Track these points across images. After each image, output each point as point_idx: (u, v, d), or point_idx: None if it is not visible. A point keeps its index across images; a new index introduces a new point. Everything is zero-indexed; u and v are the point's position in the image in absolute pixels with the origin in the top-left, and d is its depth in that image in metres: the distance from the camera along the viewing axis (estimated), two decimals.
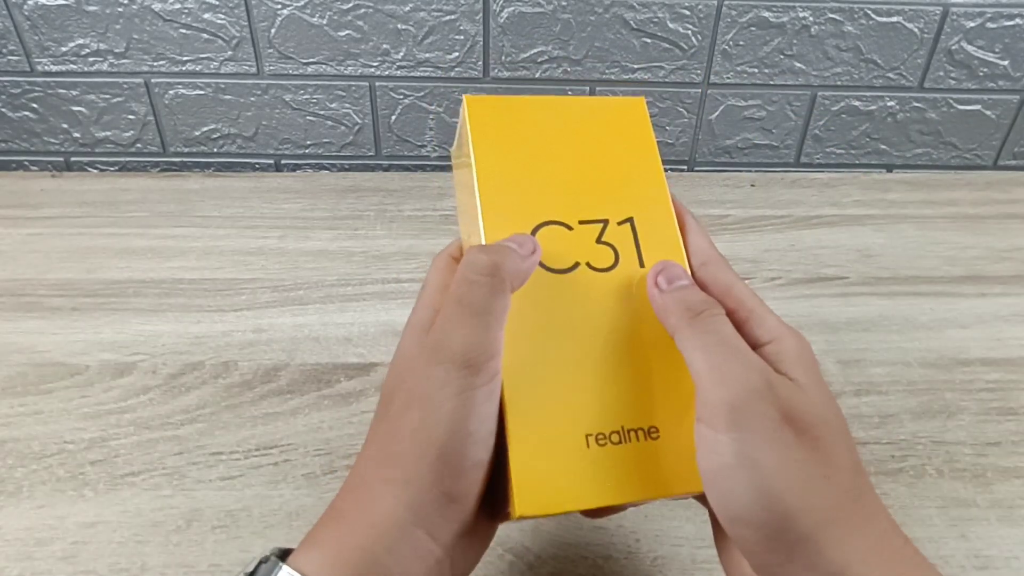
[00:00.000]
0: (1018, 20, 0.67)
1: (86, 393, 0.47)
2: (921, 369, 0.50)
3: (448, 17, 0.66)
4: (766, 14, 0.66)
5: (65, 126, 0.71)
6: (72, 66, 0.67)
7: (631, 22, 0.67)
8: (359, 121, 0.72)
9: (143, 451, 0.43)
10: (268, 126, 0.72)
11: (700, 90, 0.71)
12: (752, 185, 0.72)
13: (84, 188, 0.69)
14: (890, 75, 0.70)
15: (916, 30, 0.67)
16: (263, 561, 0.24)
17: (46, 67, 0.67)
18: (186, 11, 0.65)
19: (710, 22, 0.67)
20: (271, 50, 0.67)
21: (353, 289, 0.57)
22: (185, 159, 0.74)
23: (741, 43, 0.68)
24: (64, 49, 0.67)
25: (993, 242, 0.63)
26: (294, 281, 0.57)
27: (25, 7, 0.64)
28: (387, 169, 0.75)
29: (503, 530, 0.29)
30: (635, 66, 0.69)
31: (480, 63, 0.68)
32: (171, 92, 0.69)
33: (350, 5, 0.65)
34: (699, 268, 0.30)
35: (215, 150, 0.73)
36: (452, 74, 0.69)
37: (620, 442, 0.27)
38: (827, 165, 0.76)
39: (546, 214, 0.30)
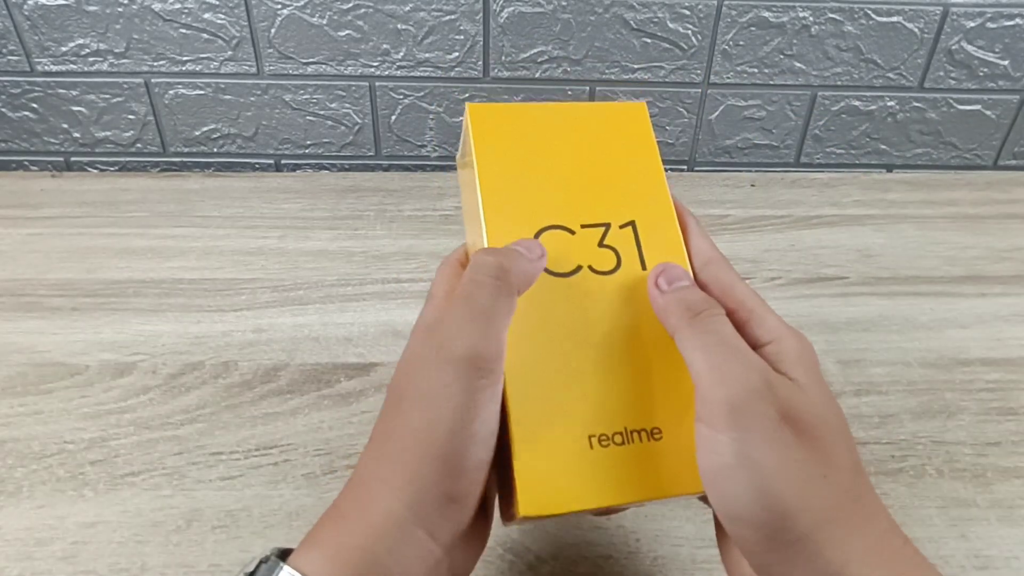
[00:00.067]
0: (1018, 20, 0.67)
1: (86, 393, 0.47)
2: (921, 369, 0.50)
3: (448, 17, 0.66)
4: (766, 14, 0.66)
5: (65, 126, 0.71)
6: (72, 66, 0.68)
7: (631, 22, 0.67)
8: (359, 121, 0.72)
9: (143, 451, 0.43)
10: (268, 126, 0.72)
11: (700, 90, 0.71)
12: (752, 185, 0.72)
13: (84, 188, 0.69)
14: (890, 75, 0.70)
15: (916, 30, 0.67)
16: (263, 561, 0.24)
17: (46, 67, 0.67)
18: (186, 11, 0.65)
19: (710, 22, 0.67)
20: (271, 50, 0.67)
21: (353, 289, 0.57)
22: (185, 159, 0.74)
23: (741, 43, 0.68)
24: (64, 49, 0.67)
25: (993, 242, 0.63)
26: (294, 281, 0.57)
27: (25, 7, 0.64)
28: (387, 169, 0.75)
29: (503, 530, 0.29)
30: (635, 66, 0.69)
31: (480, 63, 0.68)
32: (171, 92, 0.69)
33: (350, 5, 0.65)
34: (701, 269, 0.30)
35: (215, 150, 0.73)
36: (452, 74, 0.69)
37: (623, 443, 0.27)
38: (827, 165, 0.76)
39: (548, 218, 0.30)
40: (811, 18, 0.67)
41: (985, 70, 0.70)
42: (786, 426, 0.24)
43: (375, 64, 0.68)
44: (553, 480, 0.26)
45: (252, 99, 0.70)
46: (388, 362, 0.50)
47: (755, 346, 0.26)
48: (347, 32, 0.67)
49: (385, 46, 0.68)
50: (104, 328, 0.52)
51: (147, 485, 0.41)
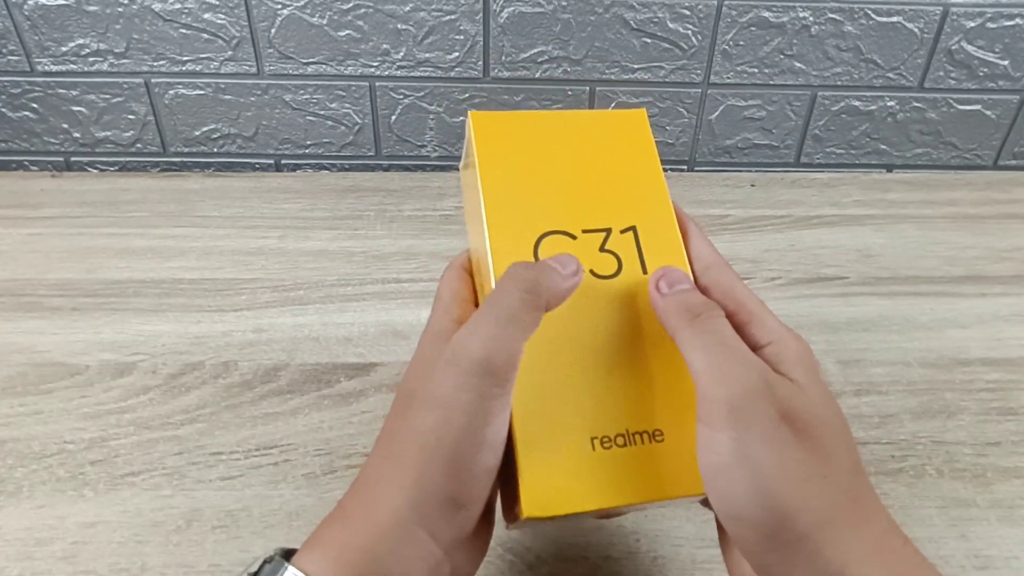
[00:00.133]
0: (1018, 20, 0.67)
1: (86, 393, 0.47)
2: (921, 369, 0.50)
3: (448, 17, 0.66)
4: (766, 14, 0.66)
5: (65, 126, 0.71)
6: (72, 66, 0.68)
7: (631, 22, 0.67)
8: (359, 121, 0.72)
9: (143, 451, 0.43)
10: (268, 126, 0.72)
11: (700, 90, 0.71)
12: (752, 185, 0.72)
13: (84, 188, 0.69)
14: (890, 75, 0.70)
15: (916, 30, 0.67)
16: (267, 561, 0.24)
17: (46, 67, 0.67)
18: (186, 11, 0.65)
19: (710, 22, 0.67)
20: (271, 50, 0.67)
21: (353, 289, 0.57)
22: (185, 159, 0.74)
23: (741, 43, 0.68)
24: (64, 49, 0.67)
25: (993, 242, 0.63)
26: (294, 281, 0.57)
27: (25, 7, 0.64)
28: (387, 169, 0.75)
29: (503, 530, 0.29)
30: (635, 66, 0.69)
31: (480, 63, 0.68)
32: (171, 92, 0.69)
33: (350, 5, 0.65)
34: (702, 273, 0.30)
35: (215, 150, 0.73)
36: (452, 74, 0.69)
37: (625, 445, 0.27)
38: (827, 165, 0.76)
39: (550, 224, 0.30)
40: (811, 18, 0.67)
41: (985, 70, 0.70)
42: (785, 426, 0.24)
43: (375, 64, 0.68)
44: (556, 481, 0.26)
45: (252, 99, 0.70)
46: (388, 362, 0.50)
47: (755, 347, 0.27)
48: (347, 32, 0.67)
49: (385, 46, 0.68)
50: (104, 328, 0.52)
51: (147, 485, 0.41)
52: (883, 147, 0.75)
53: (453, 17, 0.66)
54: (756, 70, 0.70)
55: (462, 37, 0.67)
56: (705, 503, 0.29)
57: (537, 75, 0.69)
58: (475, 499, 0.25)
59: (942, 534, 0.39)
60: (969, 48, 0.68)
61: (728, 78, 0.70)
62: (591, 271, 0.30)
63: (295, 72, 0.69)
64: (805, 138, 0.74)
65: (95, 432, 0.44)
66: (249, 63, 0.68)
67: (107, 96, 0.69)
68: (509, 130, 0.32)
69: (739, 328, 0.27)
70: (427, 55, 0.68)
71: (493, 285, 0.29)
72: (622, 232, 0.31)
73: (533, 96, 0.70)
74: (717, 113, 0.72)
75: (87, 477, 0.42)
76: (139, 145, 0.72)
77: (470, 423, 0.24)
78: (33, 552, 0.38)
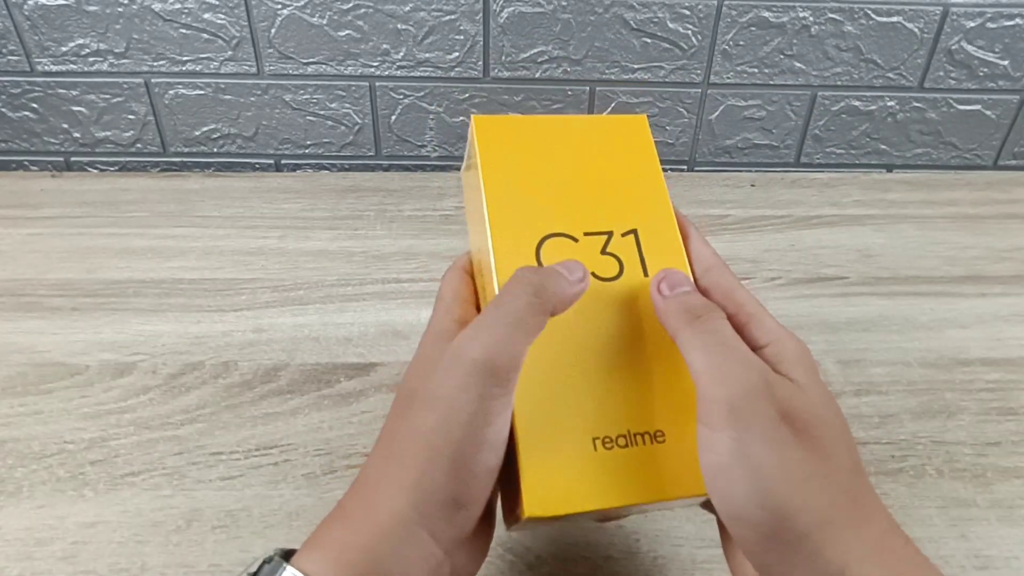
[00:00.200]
0: (1018, 20, 0.67)
1: (86, 393, 0.47)
2: (921, 369, 0.50)
3: (448, 17, 0.66)
4: (766, 14, 0.66)
5: (65, 126, 0.71)
6: (72, 66, 0.68)
7: (631, 22, 0.67)
8: (359, 121, 0.72)
9: (143, 451, 0.43)
10: (268, 126, 0.72)
11: (700, 90, 0.71)
12: (752, 185, 0.72)
13: (84, 188, 0.69)
14: (890, 75, 0.70)
15: (916, 30, 0.67)
16: (267, 561, 0.24)
17: (46, 67, 0.67)
18: (186, 11, 0.65)
19: (710, 22, 0.67)
20: (271, 50, 0.67)
21: (353, 289, 0.57)
22: (185, 159, 0.74)
23: (741, 43, 0.68)
24: (64, 49, 0.67)
25: (993, 242, 0.63)
26: (294, 281, 0.57)
27: (25, 7, 0.64)
28: (387, 169, 0.75)
29: (504, 530, 0.29)
30: (635, 66, 0.69)
31: (480, 63, 0.68)
32: (171, 92, 0.69)
33: (350, 5, 0.65)
34: (702, 275, 0.30)
35: (215, 150, 0.73)
36: (452, 74, 0.69)
37: (626, 445, 0.27)
38: (827, 165, 0.76)
39: (552, 226, 0.31)
40: (811, 18, 0.67)
41: (985, 70, 0.70)
42: (785, 426, 0.24)
43: (375, 64, 0.68)
44: (557, 481, 0.26)
45: (252, 99, 0.70)
46: (388, 362, 0.50)
47: (754, 348, 0.27)
48: (347, 32, 0.67)
49: (385, 46, 0.68)
50: (104, 328, 0.52)
51: (147, 485, 0.41)
52: (883, 147, 0.75)
53: (453, 17, 0.66)
54: (756, 70, 0.70)
55: (462, 37, 0.67)
56: (707, 505, 0.29)
57: (537, 75, 0.69)
58: (476, 499, 0.25)
59: (942, 534, 0.39)
60: (969, 48, 0.68)
61: (728, 78, 0.70)
62: (593, 273, 0.30)
63: (295, 72, 0.69)
64: (805, 138, 0.74)
65: (95, 432, 0.44)
66: (249, 63, 0.68)
67: (107, 96, 0.69)
68: (511, 134, 0.33)
69: (738, 329, 0.27)
70: (427, 55, 0.68)
71: (496, 286, 0.29)
72: (623, 235, 0.31)
73: (533, 96, 0.70)
74: (717, 113, 0.72)
75: (87, 477, 0.42)
76: (139, 145, 0.72)
77: (471, 423, 0.24)
78: (33, 552, 0.38)
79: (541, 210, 0.31)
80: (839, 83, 0.70)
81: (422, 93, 0.70)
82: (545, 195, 0.32)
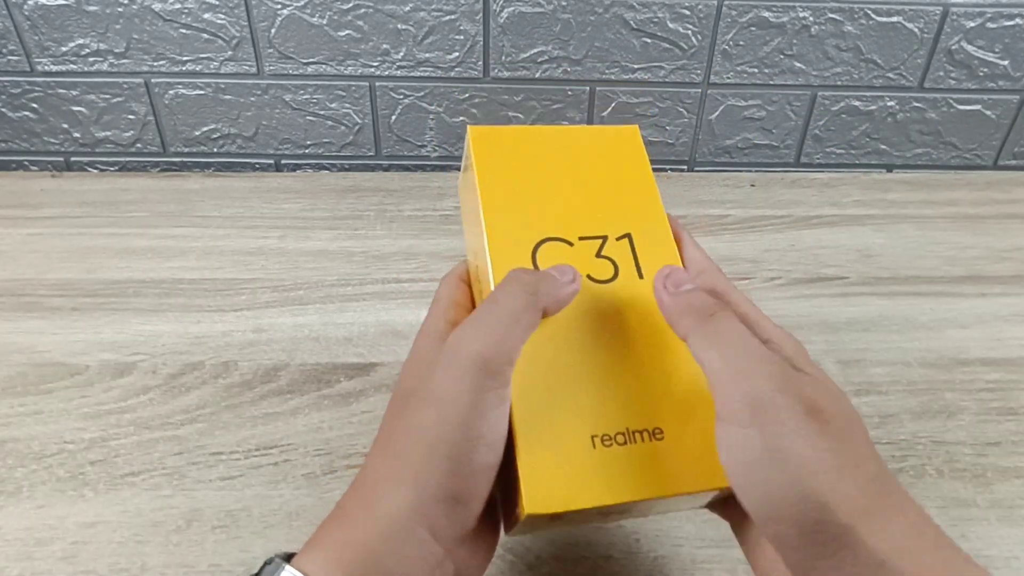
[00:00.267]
0: (1018, 20, 0.67)
1: (86, 393, 0.47)
2: (921, 369, 0.50)
3: (448, 17, 0.66)
4: (766, 14, 0.66)
5: (65, 126, 0.71)
6: (72, 66, 0.68)
7: (631, 22, 0.67)
8: (359, 121, 0.72)
9: (143, 451, 0.43)
10: (268, 126, 0.72)
11: (700, 90, 0.71)
12: (752, 185, 0.72)
13: (84, 188, 0.69)
14: (890, 75, 0.70)
15: (916, 30, 0.67)
16: (268, 563, 0.24)
17: (46, 67, 0.67)
18: (186, 11, 0.65)
19: (710, 22, 0.67)
20: (271, 50, 0.67)
21: (353, 289, 0.57)
22: (185, 159, 0.74)
23: (741, 43, 0.68)
24: (64, 49, 0.67)
25: (993, 242, 0.63)
26: (294, 281, 0.57)
27: (25, 7, 0.64)
28: (387, 169, 0.75)
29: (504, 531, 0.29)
30: (635, 66, 0.69)
31: (480, 63, 0.68)
32: (171, 92, 0.69)
33: (350, 5, 0.65)
34: (695, 277, 0.31)
35: (215, 150, 0.73)
36: (452, 74, 0.69)
37: (625, 443, 0.27)
38: (827, 165, 0.76)
39: (547, 231, 0.32)
40: (811, 18, 0.67)
41: (985, 70, 0.70)
42: (810, 417, 0.23)
43: (375, 64, 0.68)
44: (556, 479, 0.26)
45: (252, 99, 0.70)
46: (388, 362, 0.50)
47: None
48: (347, 32, 0.67)
49: (385, 46, 0.68)
50: (104, 328, 0.52)
51: (147, 485, 0.41)
52: (883, 147, 0.75)
53: (453, 17, 0.66)
54: (756, 70, 0.70)
55: (462, 37, 0.67)
56: (711, 507, 0.29)
57: (537, 75, 0.69)
58: (475, 496, 0.25)
59: None
60: (969, 48, 0.68)
61: (728, 78, 0.70)
62: (588, 276, 0.30)
63: (295, 72, 0.69)
64: (805, 138, 0.74)
65: (95, 432, 0.44)
66: (249, 63, 0.68)
67: (107, 96, 0.69)
68: (507, 143, 0.34)
69: None
70: (427, 55, 0.68)
71: (492, 288, 0.29)
72: (618, 239, 0.32)
73: (533, 96, 0.70)
74: (717, 113, 0.72)
75: (87, 477, 0.42)
76: (139, 145, 0.72)
77: (468, 418, 0.24)
78: (33, 552, 0.38)
79: (536, 216, 0.32)
80: (839, 83, 0.70)
81: (422, 93, 0.70)
82: (540, 201, 0.32)
